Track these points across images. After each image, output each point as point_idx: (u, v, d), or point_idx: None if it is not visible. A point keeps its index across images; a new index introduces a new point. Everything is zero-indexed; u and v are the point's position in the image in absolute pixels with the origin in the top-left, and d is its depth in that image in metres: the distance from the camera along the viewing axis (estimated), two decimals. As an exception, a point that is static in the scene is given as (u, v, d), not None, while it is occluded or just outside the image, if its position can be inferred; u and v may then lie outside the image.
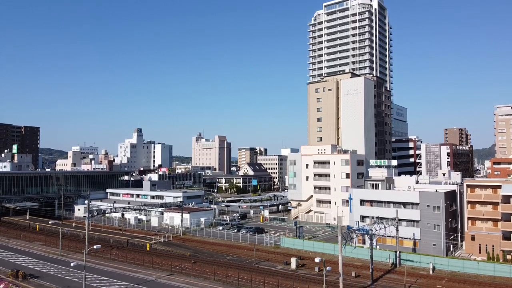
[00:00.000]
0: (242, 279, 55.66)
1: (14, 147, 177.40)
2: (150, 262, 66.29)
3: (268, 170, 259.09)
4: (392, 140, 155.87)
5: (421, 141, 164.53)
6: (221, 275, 57.69)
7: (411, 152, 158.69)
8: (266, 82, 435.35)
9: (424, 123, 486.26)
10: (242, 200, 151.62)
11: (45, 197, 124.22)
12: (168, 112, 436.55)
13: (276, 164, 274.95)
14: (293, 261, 62.97)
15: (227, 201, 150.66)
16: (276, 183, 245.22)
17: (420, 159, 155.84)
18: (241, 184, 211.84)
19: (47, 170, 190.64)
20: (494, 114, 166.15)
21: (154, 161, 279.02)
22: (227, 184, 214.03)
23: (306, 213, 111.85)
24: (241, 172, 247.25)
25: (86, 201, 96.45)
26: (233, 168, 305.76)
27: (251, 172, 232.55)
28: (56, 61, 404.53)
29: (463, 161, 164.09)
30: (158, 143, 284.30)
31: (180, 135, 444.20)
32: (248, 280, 55.04)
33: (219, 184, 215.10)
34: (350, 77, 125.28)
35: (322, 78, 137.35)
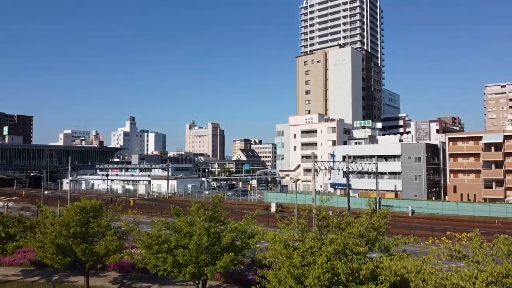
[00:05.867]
0: (220, 218, 55.69)
1: (5, 128, 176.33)
2: (131, 211, 66.28)
3: (263, 159, 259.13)
4: (382, 118, 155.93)
5: (411, 120, 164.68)
6: (200, 216, 57.69)
7: (401, 130, 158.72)
8: (259, 70, 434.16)
9: (418, 111, 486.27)
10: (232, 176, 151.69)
11: (33, 169, 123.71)
12: (162, 102, 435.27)
13: (270, 152, 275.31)
14: (273, 205, 63.26)
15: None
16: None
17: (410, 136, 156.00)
18: (233, 169, 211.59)
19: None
20: (484, 94, 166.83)
21: (147, 149, 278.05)
22: (219, 169, 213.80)
23: (293, 182, 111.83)
24: (234, 158, 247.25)
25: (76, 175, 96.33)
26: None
27: (244, 158, 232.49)
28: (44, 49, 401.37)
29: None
30: (152, 132, 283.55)
31: (174, 126, 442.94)
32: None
33: (212, 169, 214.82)
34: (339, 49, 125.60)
35: (312, 52, 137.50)
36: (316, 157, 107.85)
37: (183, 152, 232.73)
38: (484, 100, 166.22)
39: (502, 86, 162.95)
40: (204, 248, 19.14)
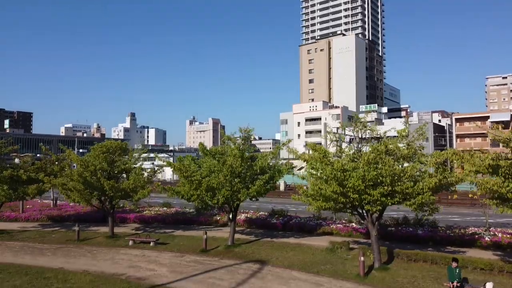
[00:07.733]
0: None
1: (6, 122, 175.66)
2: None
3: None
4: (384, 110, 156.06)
5: (413, 111, 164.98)
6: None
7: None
8: (260, 64, 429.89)
9: (419, 107, 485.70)
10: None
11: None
12: (162, 99, 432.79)
13: (271, 147, 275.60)
14: (282, 184, 63.30)
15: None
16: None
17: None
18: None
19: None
20: (485, 85, 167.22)
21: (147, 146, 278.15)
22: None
23: (297, 170, 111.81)
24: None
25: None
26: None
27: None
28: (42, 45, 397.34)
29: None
30: (152, 128, 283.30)
31: (174, 122, 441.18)
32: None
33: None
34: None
35: (315, 41, 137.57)
36: (320, 143, 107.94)
37: (184, 147, 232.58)
38: (486, 92, 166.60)
39: (504, 78, 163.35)
40: (237, 174, 19.04)
